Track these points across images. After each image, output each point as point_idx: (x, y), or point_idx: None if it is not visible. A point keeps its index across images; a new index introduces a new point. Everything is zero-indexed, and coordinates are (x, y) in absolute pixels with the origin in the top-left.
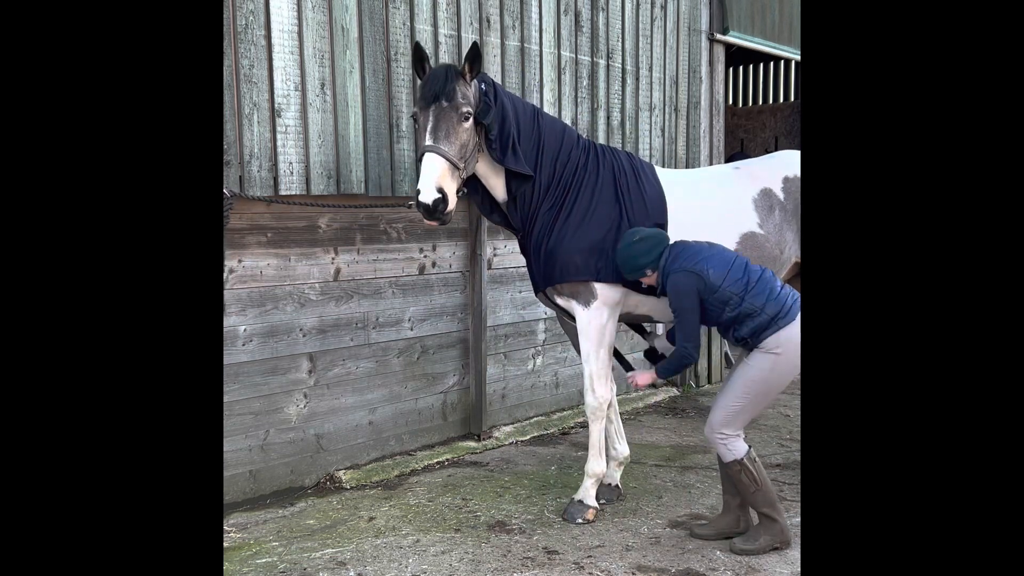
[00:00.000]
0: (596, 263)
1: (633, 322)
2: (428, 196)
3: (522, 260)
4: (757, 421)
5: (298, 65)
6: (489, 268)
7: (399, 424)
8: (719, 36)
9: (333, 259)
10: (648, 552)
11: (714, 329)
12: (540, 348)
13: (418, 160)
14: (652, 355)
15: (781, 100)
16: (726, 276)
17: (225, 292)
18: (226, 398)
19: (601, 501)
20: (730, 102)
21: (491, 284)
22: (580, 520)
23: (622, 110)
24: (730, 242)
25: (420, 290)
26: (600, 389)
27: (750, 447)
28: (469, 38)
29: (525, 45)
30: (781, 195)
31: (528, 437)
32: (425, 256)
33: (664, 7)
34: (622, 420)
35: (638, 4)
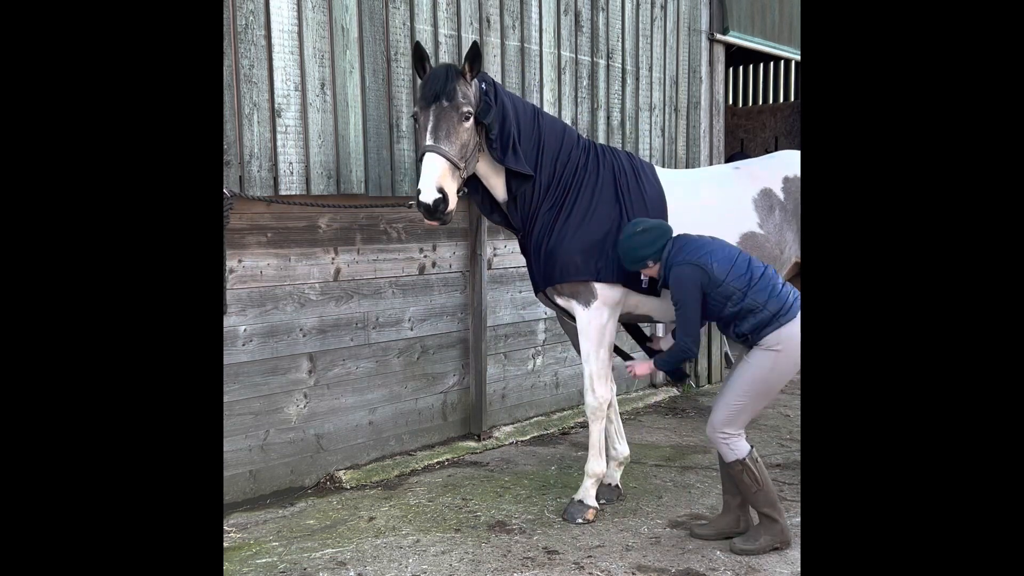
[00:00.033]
0: (596, 263)
1: (633, 322)
2: (429, 196)
3: (522, 260)
4: (757, 421)
5: (298, 65)
6: (489, 268)
7: (399, 424)
8: (719, 36)
9: (333, 259)
10: (648, 552)
11: (714, 330)
12: (540, 348)
13: (418, 160)
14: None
15: (781, 100)
16: (730, 271)
17: (225, 292)
18: (226, 398)
19: (601, 501)
20: (730, 102)
21: (491, 284)
22: (580, 520)
23: (622, 110)
24: (730, 242)
25: (420, 290)
26: (600, 389)
27: (752, 447)
28: (469, 38)
29: (525, 45)
30: (781, 195)
31: (528, 437)
32: (425, 256)
33: (664, 7)
34: (622, 420)
35: (638, 4)
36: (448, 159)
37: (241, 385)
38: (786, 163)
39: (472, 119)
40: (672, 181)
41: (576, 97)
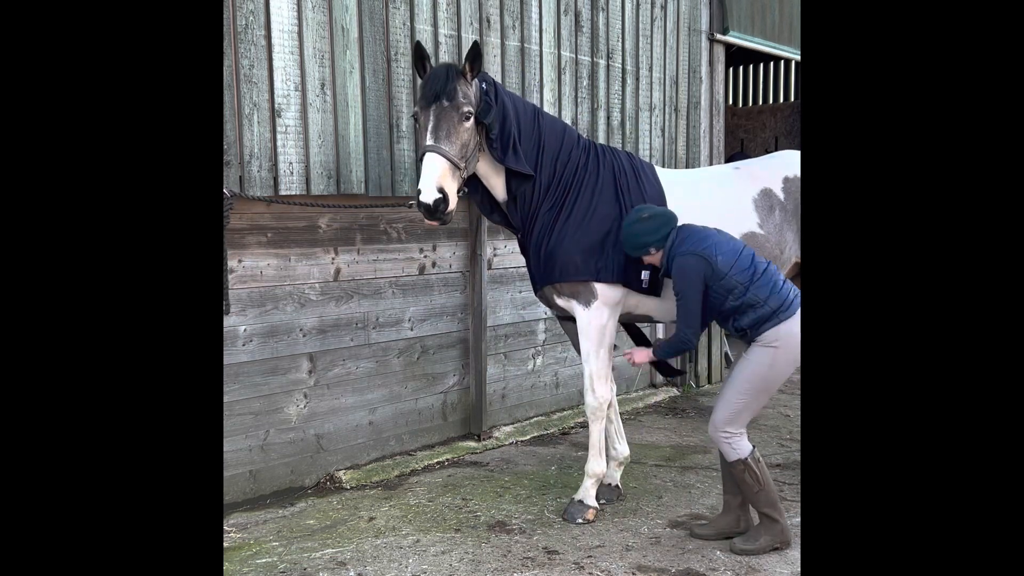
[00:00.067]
0: (596, 263)
1: (633, 323)
2: (429, 196)
3: (522, 260)
4: (757, 421)
5: (298, 65)
6: (489, 268)
7: (399, 424)
8: (719, 36)
9: (333, 259)
10: (648, 552)
11: (714, 330)
12: (540, 348)
13: (419, 160)
14: (663, 367)
15: (781, 100)
16: (734, 264)
17: (228, 292)
18: (226, 398)
19: (601, 501)
20: (730, 102)
21: (491, 284)
22: (580, 520)
23: (622, 110)
24: None
25: (420, 290)
26: (600, 389)
27: (754, 447)
28: (469, 38)
29: (525, 45)
30: (781, 195)
31: (528, 437)
32: (425, 256)
33: (664, 7)
34: (622, 420)
35: (638, 4)
36: (448, 159)
37: (241, 385)
38: (786, 163)
39: (472, 119)
40: (672, 181)
41: (576, 97)
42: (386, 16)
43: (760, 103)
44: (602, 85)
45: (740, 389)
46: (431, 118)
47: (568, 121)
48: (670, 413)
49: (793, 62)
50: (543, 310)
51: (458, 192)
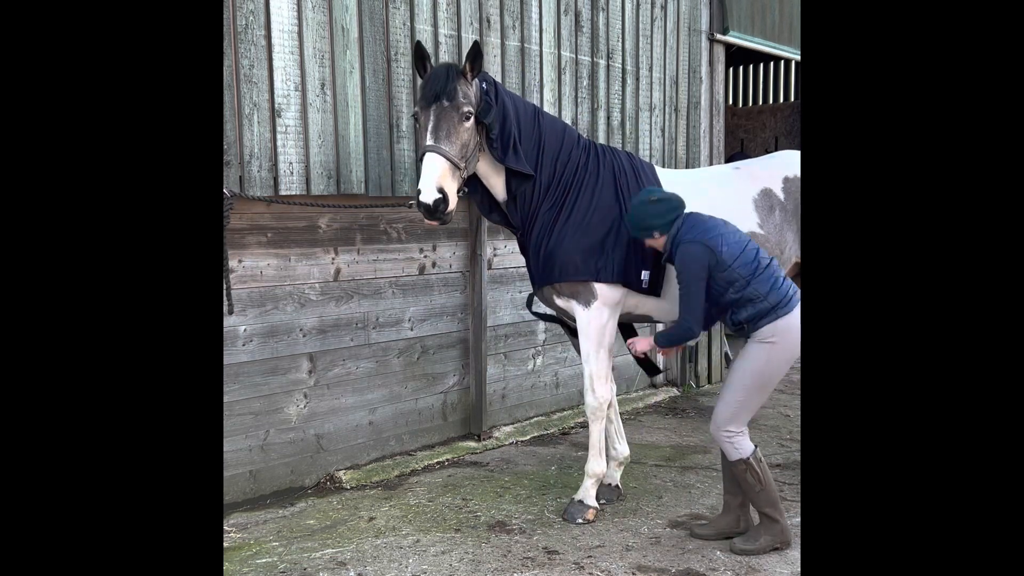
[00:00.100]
0: (596, 263)
1: (632, 323)
2: (429, 196)
3: (522, 260)
4: (757, 421)
5: (298, 65)
6: (489, 268)
7: (399, 424)
8: (719, 36)
9: (333, 259)
10: (648, 552)
11: (714, 330)
12: (540, 348)
13: (419, 159)
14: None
15: (781, 100)
16: (738, 257)
17: (230, 292)
18: (226, 398)
19: (601, 501)
20: (730, 102)
21: (491, 284)
22: (580, 520)
23: (622, 110)
24: None
25: (420, 290)
26: (600, 389)
27: (756, 446)
28: (469, 38)
29: (525, 45)
30: (781, 195)
31: (528, 437)
32: (425, 256)
33: (664, 7)
34: (622, 420)
35: (638, 4)
36: (448, 159)
37: (241, 385)
38: (786, 163)
39: (473, 119)
40: (672, 181)
41: (576, 97)
42: (386, 16)
43: (760, 103)
44: (602, 85)
45: (739, 386)
46: (431, 118)
47: (568, 121)
48: (670, 413)
49: (793, 62)
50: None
51: (458, 192)
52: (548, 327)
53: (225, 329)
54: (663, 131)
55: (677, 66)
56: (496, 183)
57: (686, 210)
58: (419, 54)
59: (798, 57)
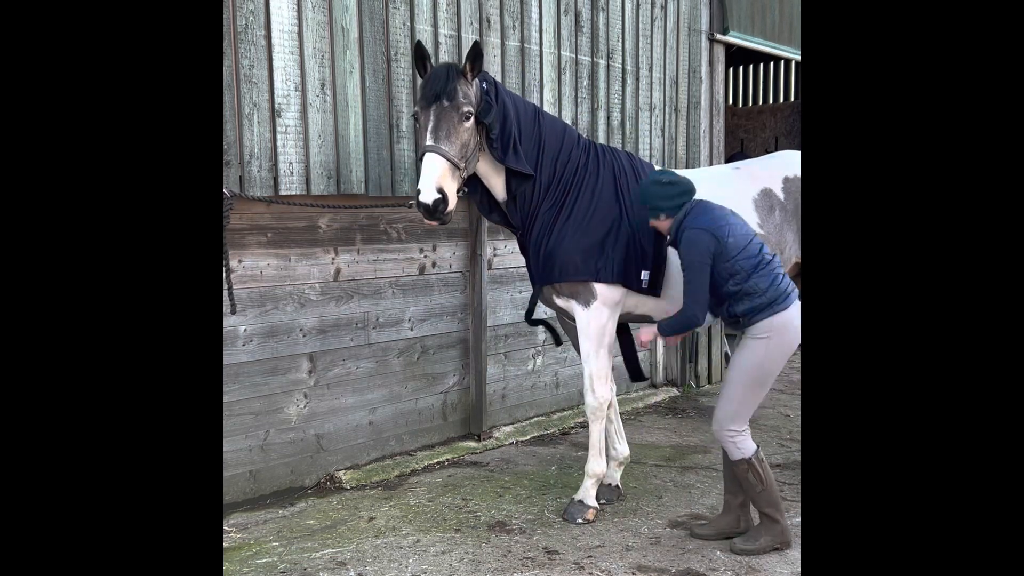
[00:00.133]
0: (596, 263)
1: (632, 323)
2: (428, 196)
3: (522, 260)
4: (757, 421)
5: (298, 65)
6: (489, 268)
7: (399, 424)
8: (719, 36)
9: (333, 259)
10: (648, 552)
11: (714, 330)
12: (540, 348)
13: (419, 159)
14: (635, 368)
15: (781, 100)
16: (743, 249)
17: (225, 292)
18: (226, 398)
19: (601, 501)
20: (730, 102)
21: (491, 284)
22: (580, 520)
23: (622, 110)
24: None
25: (420, 290)
26: (600, 389)
27: (758, 446)
28: (469, 38)
29: (525, 45)
30: (781, 195)
31: (528, 437)
32: (425, 256)
33: (664, 7)
34: (622, 420)
35: (638, 4)
36: (448, 159)
37: (241, 385)
38: (786, 163)
39: (473, 119)
40: None
41: (576, 97)
42: (386, 16)
43: (760, 103)
44: (602, 85)
45: (736, 383)
46: (431, 118)
47: (568, 121)
48: (670, 413)
49: (793, 62)
50: (543, 310)
51: (458, 192)
52: None
53: (225, 329)
54: (663, 131)
55: (677, 66)
56: (496, 183)
57: (696, 197)
58: (419, 54)
59: (798, 57)
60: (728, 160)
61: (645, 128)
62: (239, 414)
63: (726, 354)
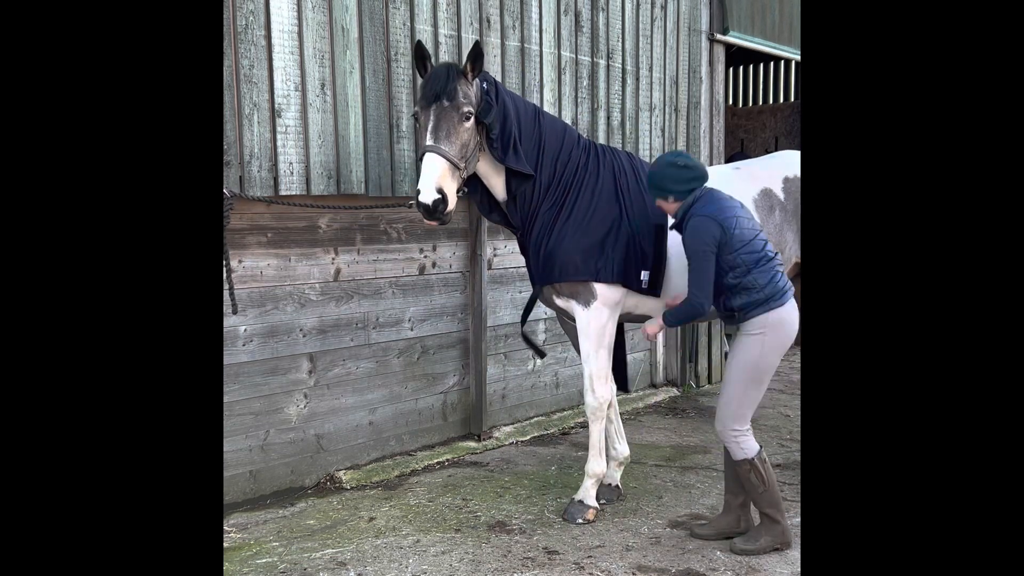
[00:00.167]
0: (596, 263)
1: (632, 322)
2: (428, 196)
3: (522, 260)
4: (757, 421)
5: (298, 65)
6: (489, 268)
7: (399, 424)
8: (719, 36)
9: (333, 259)
10: (648, 552)
11: (714, 330)
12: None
13: (418, 160)
14: (622, 375)
15: (781, 100)
16: (747, 243)
17: (225, 292)
18: (226, 398)
19: (601, 501)
20: (730, 102)
21: (491, 284)
22: (580, 520)
23: (622, 110)
24: None
25: (420, 290)
26: (600, 389)
27: (761, 447)
28: (469, 38)
29: (525, 45)
30: (781, 195)
31: (528, 437)
32: (425, 256)
33: (664, 7)
34: (622, 420)
35: (638, 4)
36: (448, 159)
37: (241, 385)
38: (786, 163)
39: (473, 119)
40: None
41: (576, 97)
42: (386, 16)
43: (760, 103)
44: (602, 85)
45: (735, 381)
46: (431, 118)
47: (568, 121)
48: (670, 413)
49: (793, 62)
50: (543, 310)
51: (458, 192)
52: (548, 327)
53: (225, 329)
54: (663, 131)
55: (677, 66)
56: (496, 183)
57: (706, 185)
58: (419, 54)
59: (798, 57)
60: (728, 160)
61: (645, 128)
62: (239, 414)
63: (726, 354)
